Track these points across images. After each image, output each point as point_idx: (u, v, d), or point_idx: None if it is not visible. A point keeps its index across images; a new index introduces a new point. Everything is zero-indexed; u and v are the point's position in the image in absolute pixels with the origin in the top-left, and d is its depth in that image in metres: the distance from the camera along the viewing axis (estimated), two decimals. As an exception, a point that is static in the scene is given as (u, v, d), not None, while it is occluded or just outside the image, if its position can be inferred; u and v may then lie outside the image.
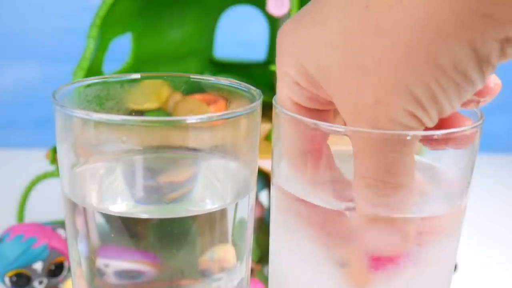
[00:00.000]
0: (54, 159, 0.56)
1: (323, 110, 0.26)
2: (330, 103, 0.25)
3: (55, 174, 0.57)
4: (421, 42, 0.21)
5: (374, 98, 0.22)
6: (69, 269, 0.51)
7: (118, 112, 0.31)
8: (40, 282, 0.49)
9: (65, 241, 0.51)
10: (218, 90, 0.32)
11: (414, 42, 0.21)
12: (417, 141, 0.23)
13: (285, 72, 0.25)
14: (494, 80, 0.26)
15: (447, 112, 0.23)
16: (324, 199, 0.26)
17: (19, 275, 0.49)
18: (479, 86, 0.22)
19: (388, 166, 0.23)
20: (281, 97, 0.27)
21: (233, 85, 0.31)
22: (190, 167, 0.31)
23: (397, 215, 0.24)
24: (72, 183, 0.28)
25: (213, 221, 0.28)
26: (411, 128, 0.23)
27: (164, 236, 0.27)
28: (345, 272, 0.26)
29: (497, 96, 0.27)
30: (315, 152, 0.26)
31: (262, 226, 0.58)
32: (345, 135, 0.24)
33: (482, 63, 0.21)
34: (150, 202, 0.28)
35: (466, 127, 0.25)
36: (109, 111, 0.31)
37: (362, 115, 0.23)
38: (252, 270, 0.54)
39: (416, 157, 0.27)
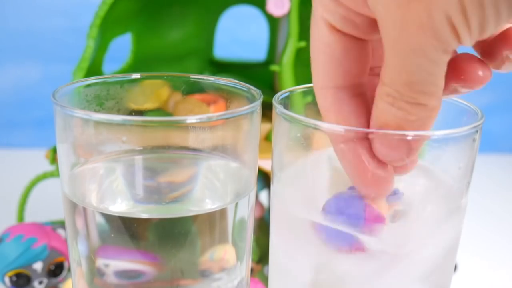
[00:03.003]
0: (54, 159, 0.56)
1: (360, 42, 0.24)
2: (368, 27, 0.23)
3: (55, 174, 0.57)
4: None
5: None
6: (69, 269, 0.51)
7: (118, 112, 0.31)
8: (40, 282, 0.49)
9: (65, 241, 0.51)
10: (218, 90, 0.32)
11: None
12: (448, 58, 0.21)
13: None
14: None
15: (490, 28, 0.20)
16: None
17: (19, 275, 0.49)
18: None
19: (410, 76, 0.21)
20: (315, 20, 0.24)
21: (233, 85, 0.31)
22: (190, 167, 0.31)
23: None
24: (72, 183, 0.28)
25: (213, 221, 0.28)
26: (441, 42, 0.20)
27: (164, 236, 0.27)
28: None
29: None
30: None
31: (262, 226, 0.58)
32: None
33: None
34: (150, 202, 0.28)
35: (466, 127, 0.25)
36: (109, 111, 0.31)
37: (390, 16, 0.20)
38: (252, 270, 0.54)
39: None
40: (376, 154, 0.23)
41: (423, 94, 0.21)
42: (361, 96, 0.25)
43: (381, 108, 0.23)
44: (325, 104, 0.25)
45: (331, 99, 0.25)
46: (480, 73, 0.23)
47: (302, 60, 0.51)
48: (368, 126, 0.24)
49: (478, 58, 0.23)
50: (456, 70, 0.23)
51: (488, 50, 0.23)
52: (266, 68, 0.62)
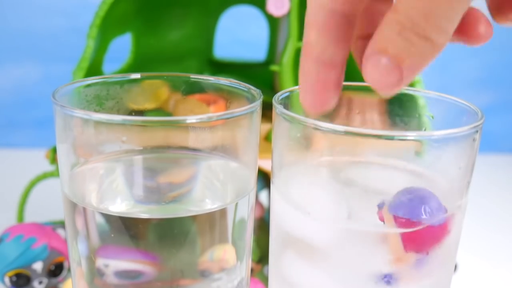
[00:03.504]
0: (54, 159, 0.56)
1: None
2: None
3: (55, 174, 0.57)
4: None
5: None
6: (69, 269, 0.51)
7: (118, 112, 0.31)
8: (40, 282, 0.49)
9: (65, 241, 0.51)
10: (218, 90, 0.32)
11: None
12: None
13: None
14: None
15: None
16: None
17: (19, 275, 0.49)
18: None
19: (430, 5, 0.20)
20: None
21: (233, 85, 0.31)
22: (190, 167, 0.31)
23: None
24: (72, 183, 0.28)
25: (213, 221, 0.28)
26: None
27: (164, 236, 0.27)
28: None
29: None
30: None
31: (262, 226, 0.58)
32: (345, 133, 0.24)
33: None
34: (150, 202, 0.28)
35: (466, 127, 0.25)
36: (109, 111, 0.31)
37: None
38: (252, 270, 0.54)
39: (416, 156, 0.27)
40: (366, 77, 0.23)
41: (436, 29, 0.21)
42: (349, 24, 0.24)
43: (385, 34, 0.22)
44: (313, 20, 0.24)
45: (323, 18, 0.24)
46: (483, 30, 0.23)
47: (302, 60, 0.51)
48: (344, 56, 0.24)
49: (484, 16, 0.23)
50: (461, 23, 0.22)
51: (500, 5, 0.23)
52: (266, 68, 0.62)
